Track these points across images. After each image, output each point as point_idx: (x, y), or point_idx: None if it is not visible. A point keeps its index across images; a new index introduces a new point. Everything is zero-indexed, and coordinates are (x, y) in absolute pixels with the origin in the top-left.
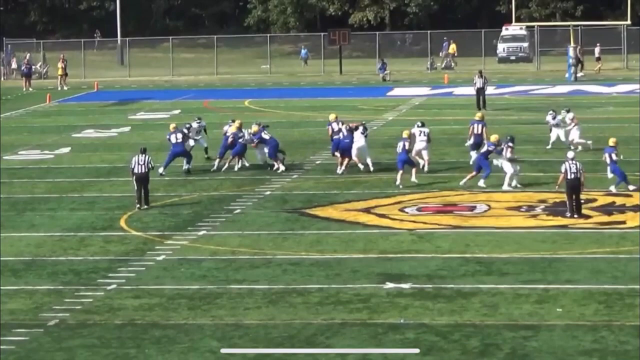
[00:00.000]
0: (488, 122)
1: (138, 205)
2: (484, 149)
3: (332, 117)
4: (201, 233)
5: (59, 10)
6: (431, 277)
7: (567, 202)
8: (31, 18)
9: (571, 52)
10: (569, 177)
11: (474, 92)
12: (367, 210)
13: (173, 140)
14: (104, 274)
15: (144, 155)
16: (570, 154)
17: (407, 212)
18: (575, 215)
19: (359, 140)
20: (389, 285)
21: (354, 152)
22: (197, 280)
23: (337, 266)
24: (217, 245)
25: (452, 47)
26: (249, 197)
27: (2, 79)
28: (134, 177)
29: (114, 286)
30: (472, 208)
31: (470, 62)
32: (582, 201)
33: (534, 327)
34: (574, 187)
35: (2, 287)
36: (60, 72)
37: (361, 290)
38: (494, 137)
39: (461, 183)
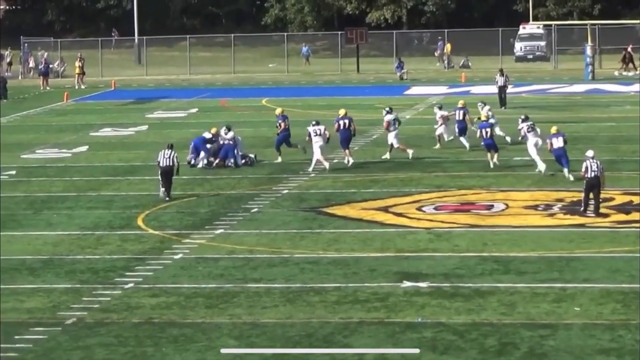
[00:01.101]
0: (506, 121)
1: (167, 198)
2: (559, 143)
3: (278, 111)
4: (218, 232)
5: (76, 9)
6: (448, 276)
7: (583, 199)
8: (49, 17)
9: (588, 51)
10: (588, 175)
11: (496, 90)
12: (384, 209)
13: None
14: (121, 273)
15: (170, 150)
16: (590, 153)
17: (424, 211)
18: (591, 213)
19: (318, 140)
20: (407, 284)
21: (317, 151)
22: (214, 279)
23: (355, 265)
24: (234, 244)
25: (447, 47)
26: (267, 195)
27: (20, 77)
28: (159, 171)
29: (131, 285)
30: (490, 207)
31: (488, 61)
32: (601, 200)
33: (552, 326)
34: (594, 185)
35: (19, 286)
36: (77, 70)
37: (378, 289)
38: (554, 129)
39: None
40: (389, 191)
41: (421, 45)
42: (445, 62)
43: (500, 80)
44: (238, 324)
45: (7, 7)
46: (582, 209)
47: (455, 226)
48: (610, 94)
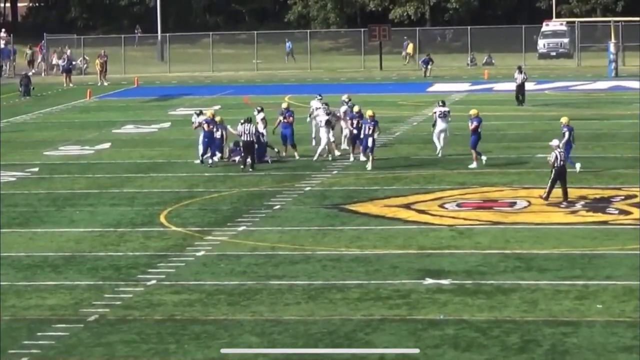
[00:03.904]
0: (528, 118)
1: (242, 167)
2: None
3: (284, 105)
4: (241, 229)
5: (99, 6)
6: (471, 273)
7: (549, 188)
8: (72, 14)
9: (612, 48)
10: (558, 164)
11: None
12: (406, 206)
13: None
14: (143, 270)
15: (249, 124)
16: (555, 142)
17: (446, 208)
18: (564, 203)
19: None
20: (429, 281)
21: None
22: (236, 276)
23: (377, 262)
24: (256, 241)
25: (410, 47)
26: (289, 192)
27: (43, 74)
28: (242, 145)
29: (153, 282)
30: (512, 204)
31: (510, 58)
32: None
33: (574, 323)
34: (562, 173)
35: (42, 283)
36: (99, 67)
37: (400, 286)
38: (473, 111)
39: None
40: (411, 188)
41: (444, 42)
42: (407, 61)
43: (519, 78)
44: (260, 321)
45: (31, 4)
46: (545, 195)
47: (478, 223)
48: (634, 91)
